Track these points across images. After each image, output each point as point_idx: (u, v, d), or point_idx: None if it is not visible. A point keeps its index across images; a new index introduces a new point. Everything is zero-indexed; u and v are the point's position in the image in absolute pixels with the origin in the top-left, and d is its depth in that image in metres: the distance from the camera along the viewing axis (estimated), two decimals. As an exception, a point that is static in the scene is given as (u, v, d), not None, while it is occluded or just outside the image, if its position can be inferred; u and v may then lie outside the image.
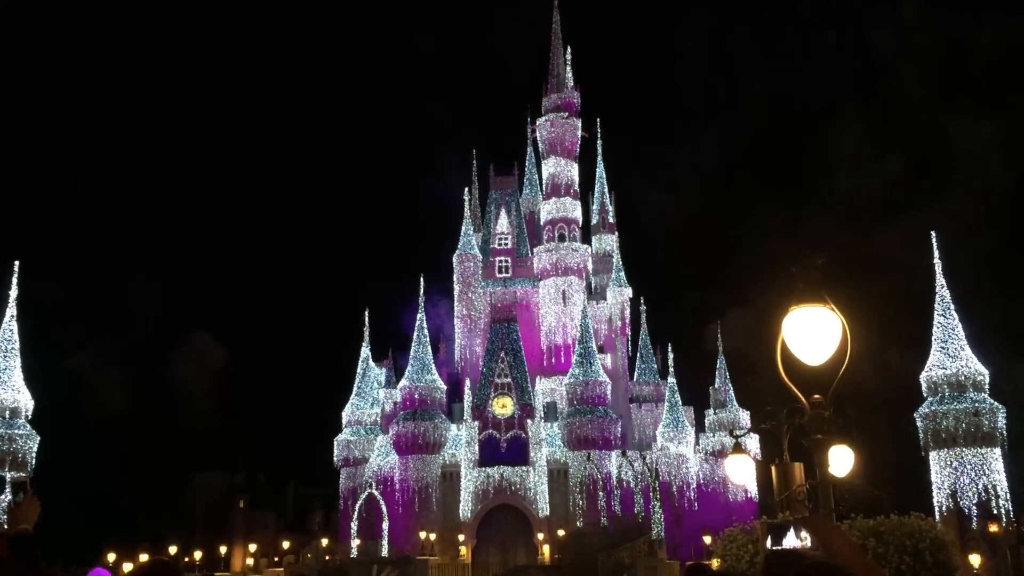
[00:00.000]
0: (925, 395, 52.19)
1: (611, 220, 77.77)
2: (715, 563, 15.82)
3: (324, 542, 60.58)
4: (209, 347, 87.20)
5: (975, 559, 41.43)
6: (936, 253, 52.71)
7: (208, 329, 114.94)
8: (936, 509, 48.45)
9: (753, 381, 60.23)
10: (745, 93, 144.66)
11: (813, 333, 6.27)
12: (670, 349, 66.15)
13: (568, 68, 75.22)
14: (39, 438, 50.01)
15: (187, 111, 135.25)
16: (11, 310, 50.75)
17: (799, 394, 6.34)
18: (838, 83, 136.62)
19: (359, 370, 67.02)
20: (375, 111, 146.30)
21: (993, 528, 46.72)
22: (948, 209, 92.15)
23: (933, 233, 52.77)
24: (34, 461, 49.65)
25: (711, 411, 66.99)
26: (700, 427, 66.71)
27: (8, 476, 45.16)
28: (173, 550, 58.51)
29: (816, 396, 6.31)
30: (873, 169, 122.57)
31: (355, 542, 56.74)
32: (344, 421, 66.10)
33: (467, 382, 63.47)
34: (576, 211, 72.17)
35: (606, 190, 78.67)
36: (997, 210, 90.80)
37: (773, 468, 10.96)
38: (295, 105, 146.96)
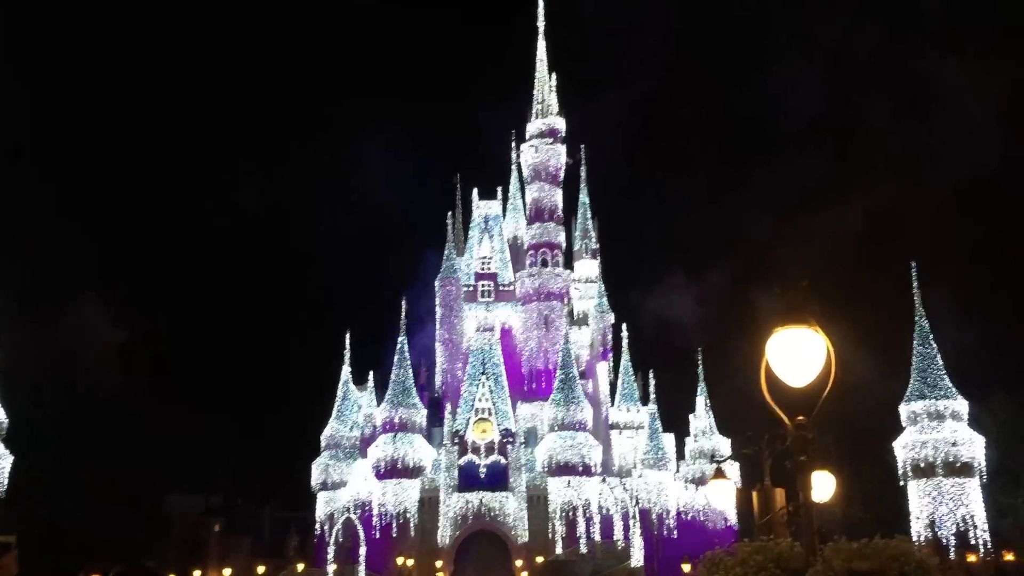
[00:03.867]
0: (904, 424, 52.41)
1: (594, 246, 78.12)
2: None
3: (300, 567, 59.86)
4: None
5: (953, 590, 41.47)
6: (915, 283, 53.11)
7: (188, 350, 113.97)
8: (914, 538, 48.51)
9: (733, 402, 59.96)
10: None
11: (797, 354, 6.27)
12: (651, 376, 66.25)
13: (553, 94, 75.78)
14: (12, 458, 49.06)
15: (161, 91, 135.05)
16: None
17: (783, 416, 6.33)
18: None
19: (339, 392, 66.63)
20: (366, 126, 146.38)
21: (971, 558, 46.85)
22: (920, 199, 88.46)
23: (913, 264, 53.20)
24: (7, 482, 48.66)
25: (691, 438, 67.04)
26: (680, 455, 66.69)
27: None
28: (146, 573, 57.63)
29: (800, 417, 6.30)
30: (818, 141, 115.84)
31: (332, 567, 56.15)
32: (323, 444, 65.59)
33: (447, 406, 63.21)
34: (559, 237, 72.42)
35: (589, 216, 79.07)
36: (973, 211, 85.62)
37: (755, 493, 10.95)
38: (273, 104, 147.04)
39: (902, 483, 52.21)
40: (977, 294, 69.94)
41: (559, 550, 57.10)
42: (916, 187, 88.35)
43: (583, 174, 79.17)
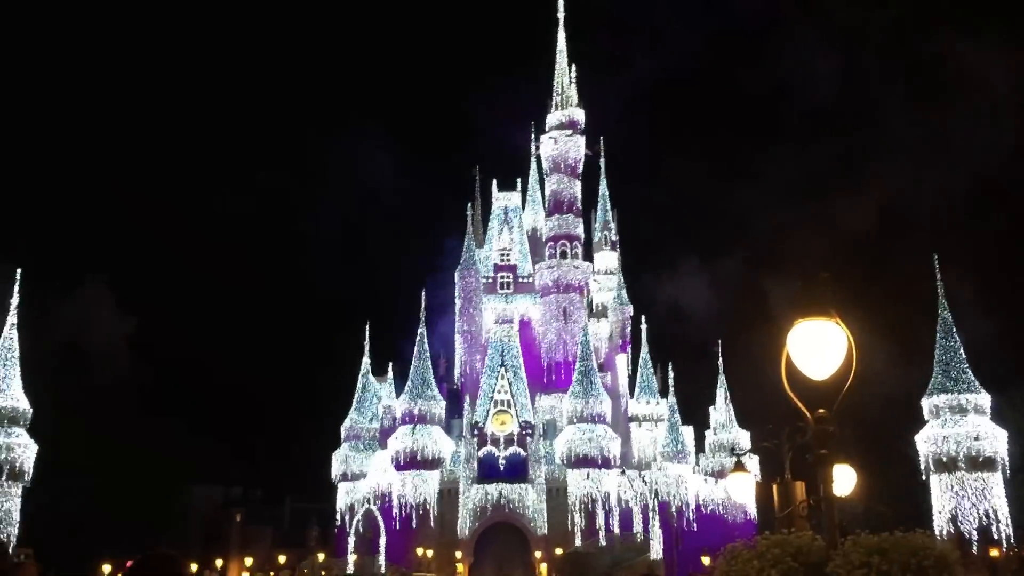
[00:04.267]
0: (926, 418, 51.96)
1: (613, 238, 77.89)
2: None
3: (321, 558, 60.20)
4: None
5: (976, 584, 41.14)
6: (938, 275, 52.58)
7: (207, 346, 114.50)
8: (936, 533, 48.14)
9: (753, 395, 59.60)
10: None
11: (818, 347, 6.22)
12: (670, 368, 66.06)
13: (573, 86, 75.53)
14: (37, 448, 49.70)
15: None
16: (12, 318, 50.58)
17: (804, 408, 6.29)
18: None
19: (359, 384, 66.88)
20: (383, 122, 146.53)
21: (994, 553, 46.45)
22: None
23: (936, 256, 52.68)
24: (31, 471, 49.30)
25: (711, 431, 66.84)
26: (700, 448, 66.51)
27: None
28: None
29: (821, 411, 6.25)
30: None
31: (352, 558, 56.43)
32: (343, 435, 65.90)
33: (467, 398, 63.34)
34: (578, 228, 72.26)
35: (609, 208, 78.85)
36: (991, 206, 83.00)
37: (775, 486, 10.88)
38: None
39: (924, 477, 51.79)
40: (998, 286, 69.13)
41: (578, 542, 57.13)
42: (935, 176, 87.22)
43: (602, 165, 79.01)
